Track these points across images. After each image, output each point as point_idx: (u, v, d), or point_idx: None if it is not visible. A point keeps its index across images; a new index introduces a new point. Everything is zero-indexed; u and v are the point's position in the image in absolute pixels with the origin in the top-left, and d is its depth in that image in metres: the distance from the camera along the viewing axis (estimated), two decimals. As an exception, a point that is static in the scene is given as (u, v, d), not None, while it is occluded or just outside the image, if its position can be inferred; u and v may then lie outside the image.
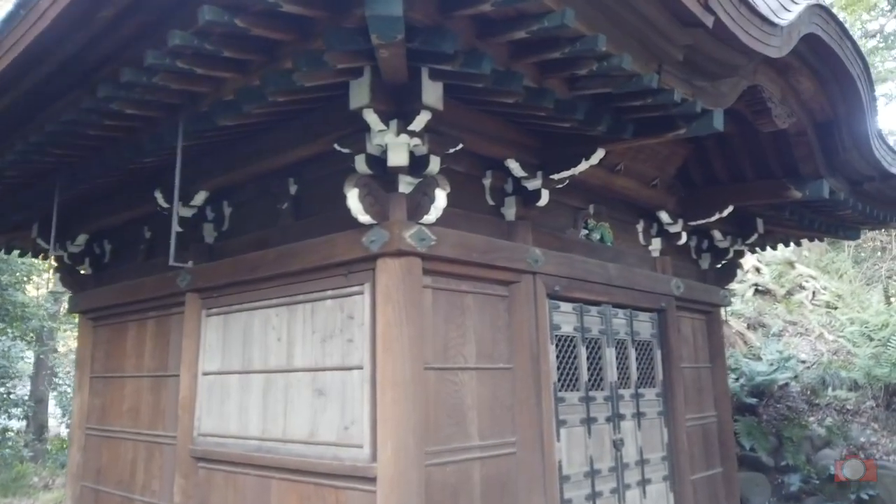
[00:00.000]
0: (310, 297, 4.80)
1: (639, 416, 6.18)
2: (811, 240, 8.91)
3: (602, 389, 5.84)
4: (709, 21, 3.44)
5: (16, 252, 8.59)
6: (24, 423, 13.00)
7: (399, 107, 3.99)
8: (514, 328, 5.05)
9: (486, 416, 4.72)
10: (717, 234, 7.71)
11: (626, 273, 6.21)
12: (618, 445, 5.80)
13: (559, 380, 5.39)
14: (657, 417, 6.46)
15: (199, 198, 5.68)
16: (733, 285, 14.65)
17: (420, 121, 3.97)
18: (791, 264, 15.72)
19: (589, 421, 5.58)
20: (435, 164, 4.29)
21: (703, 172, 6.76)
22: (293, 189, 5.15)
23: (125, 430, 6.58)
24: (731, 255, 7.90)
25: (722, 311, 8.15)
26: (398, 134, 3.98)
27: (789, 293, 14.48)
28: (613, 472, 5.72)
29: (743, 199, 6.60)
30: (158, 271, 6.20)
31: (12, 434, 11.56)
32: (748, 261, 15.42)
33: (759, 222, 7.80)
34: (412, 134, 4.03)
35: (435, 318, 4.51)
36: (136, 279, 6.60)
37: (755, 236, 7.86)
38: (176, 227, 4.60)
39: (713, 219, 6.78)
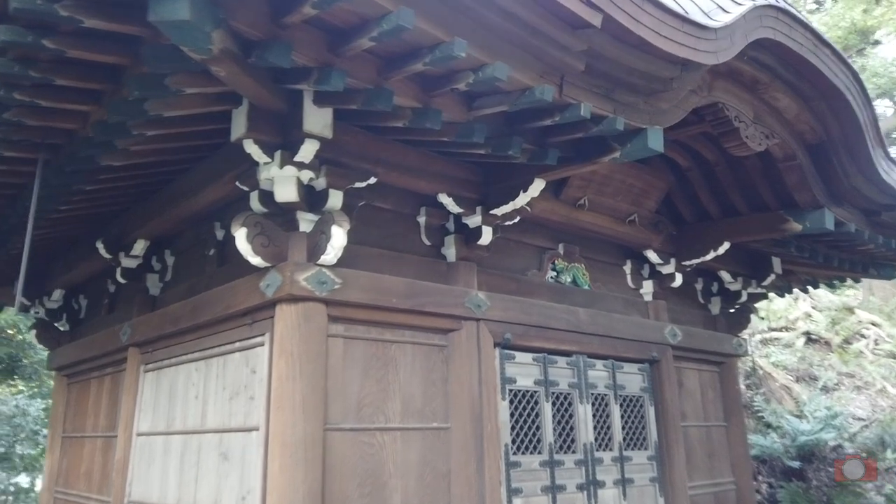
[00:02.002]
0: (221, 349, 4.42)
1: (624, 482, 5.43)
2: (842, 280, 7.97)
3: (573, 452, 5.15)
4: (596, 20, 2.97)
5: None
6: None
7: (285, 137, 3.64)
8: (452, 382, 4.50)
9: (413, 485, 4.15)
10: (725, 276, 6.96)
11: (603, 319, 5.57)
12: (593, 517, 5.07)
13: (514, 441, 4.77)
14: (650, 484, 5.68)
15: (139, 247, 5.44)
16: (780, 334, 13.57)
17: (307, 151, 3.59)
18: (850, 310, 14.40)
19: (554, 489, 4.89)
20: (336, 200, 3.89)
21: (692, 207, 6.12)
22: (220, 234, 4.84)
23: (80, 495, 6.27)
24: (743, 298, 7.10)
25: (738, 361, 7.30)
26: (282, 166, 3.61)
27: (846, 342, 13.18)
28: (588, 550, 4.99)
29: (738, 234, 5.91)
30: (113, 325, 5.97)
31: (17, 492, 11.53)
32: (800, 307, 14.24)
33: (776, 262, 7.02)
34: (301, 166, 3.65)
35: (347, 371, 4.03)
36: (95, 334, 6.40)
37: (771, 277, 7.06)
38: (24, 269, 4.30)
39: (709, 257, 6.08)
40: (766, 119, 4.74)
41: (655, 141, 3.76)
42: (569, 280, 5.61)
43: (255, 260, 3.81)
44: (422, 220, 4.67)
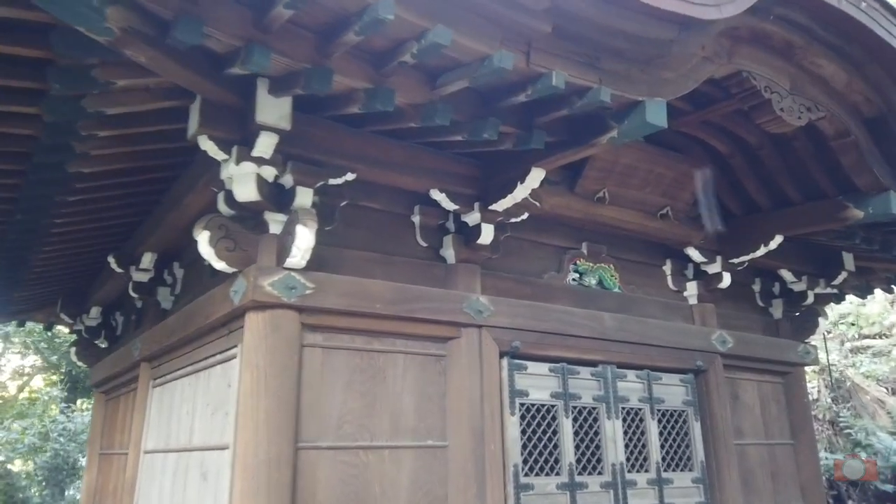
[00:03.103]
0: (206, 362, 4.20)
1: (663, 508, 4.83)
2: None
3: (599, 473, 4.61)
4: (549, -34, 2.54)
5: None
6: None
7: (242, 132, 3.37)
8: (451, 395, 4.10)
9: (404, 508, 3.76)
10: (787, 275, 6.21)
11: (635, 325, 5.01)
12: (625, 547, 4.52)
13: (525, 461, 4.29)
14: (696, 510, 5.05)
15: (147, 260, 5.35)
16: (873, 341, 12.30)
17: (264, 145, 3.31)
18: (957, 314, 12.92)
19: (575, 515, 4.38)
20: (304, 198, 3.59)
21: (738, 199, 5.46)
22: (214, 242, 4.64)
23: (108, 513, 6.24)
24: (809, 300, 6.31)
25: (806, 370, 6.51)
26: (239, 162, 3.34)
27: (952, 350, 11.79)
28: (617, 584, 4.43)
29: (791, 227, 5.22)
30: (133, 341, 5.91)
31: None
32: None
33: (848, 258, 6.22)
34: (260, 162, 3.38)
35: (326, 384, 3.70)
36: (119, 351, 6.38)
37: (843, 275, 6.24)
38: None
39: (759, 253, 5.40)
40: (807, 89, 4.11)
41: (656, 115, 3.26)
42: (594, 282, 5.09)
43: (220, 265, 3.56)
44: (416, 219, 4.31)
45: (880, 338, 12.40)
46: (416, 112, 3.18)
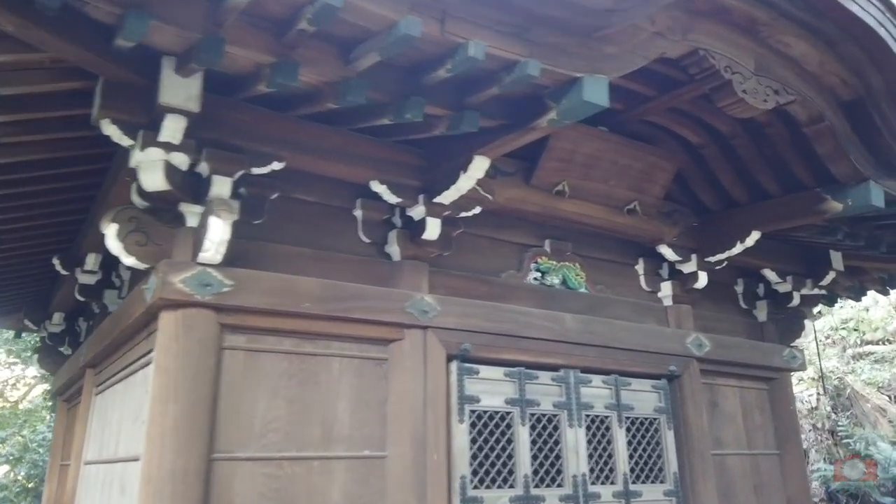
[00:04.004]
0: (131, 367, 3.94)
1: (632, 523, 4.51)
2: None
3: (559, 486, 4.29)
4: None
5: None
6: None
7: (150, 115, 3.11)
8: (392, 402, 3.80)
9: (335, 524, 3.47)
10: (771, 275, 5.87)
11: (601, 327, 4.70)
12: (586, 566, 4.19)
13: (475, 473, 3.99)
14: (668, 525, 4.72)
15: (91, 261, 5.10)
16: (876, 348, 11.87)
17: (171, 129, 3.05)
18: (965, 319, 12.47)
19: (531, 531, 4.07)
20: (221, 188, 3.32)
21: (714, 193, 5.15)
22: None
23: (59, 526, 5.97)
24: (795, 301, 5.97)
25: (804, 377, 6.16)
26: (144, 148, 3.08)
27: (959, 355, 11.35)
28: None
29: (769, 221, 4.90)
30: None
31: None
32: (898, 316, 12.48)
33: (837, 256, 5.88)
34: (168, 147, 3.11)
35: (249, 389, 3.42)
36: (72, 357, 6.13)
37: (831, 275, 5.91)
38: None
39: (736, 251, 5.07)
40: (775, 70, 3.80)
41: (596, 93, 2.97)
42: (557, 282, 4.79)
43: (130, 260, 3.30)
44: (358, 213, 4.03)
45: (884, 343, 11.98)
46: (332, 90, 2.91)
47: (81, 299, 5.33)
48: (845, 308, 12.81)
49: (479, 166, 3.65)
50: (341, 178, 3.87)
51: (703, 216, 5.29)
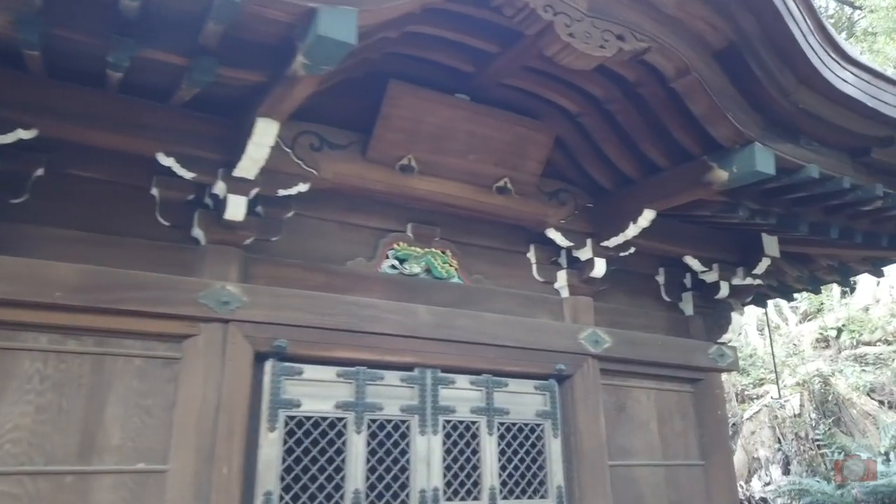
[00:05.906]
0: None
1: (500, 545, 3.92)
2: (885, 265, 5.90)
3: (402, 502, 3.74)
4: None
5: None
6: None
7: None
8: (180, 407, 3.30)
9: (95, 550, 2.97)
10: (693, 263, 5.24)
11: (466, 321, 4.14)
12: None
13: (287, 489, 3.45)
14: (549, 548, 4.11)
15: None
16: (871, 349, 10.99)
17: None
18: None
19: (359, 557, 3.51)
20: (-60, 158, 2.88)
21: (606, 169, 4.55)
22: None
23: None
24: (724, 292, 5.32)
25: (722, 377, 5.50)
26: None
27: (964, 355, 10.41)
28: None
29: (659, 198, 4.30)
30: None
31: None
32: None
33: (771, 241, 5.24)
34: None
35: (-11, 394, 2.95)
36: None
37: (765, 262, 5.26)
38: None
39: (630, 233, 4.47)
40: (618, 12, 3.24)
41: (336, 27, 2.45)
42: (418, 270, 4.24)
43: None
44: (155, 192, 3.56)
45: (885, 344, 11.06)
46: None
47: None
48: (843, 309, 11.96)
49: (266, 131, 3.15)
50: (126, 151, 3.39)
51: (598, 196, 4.71)
